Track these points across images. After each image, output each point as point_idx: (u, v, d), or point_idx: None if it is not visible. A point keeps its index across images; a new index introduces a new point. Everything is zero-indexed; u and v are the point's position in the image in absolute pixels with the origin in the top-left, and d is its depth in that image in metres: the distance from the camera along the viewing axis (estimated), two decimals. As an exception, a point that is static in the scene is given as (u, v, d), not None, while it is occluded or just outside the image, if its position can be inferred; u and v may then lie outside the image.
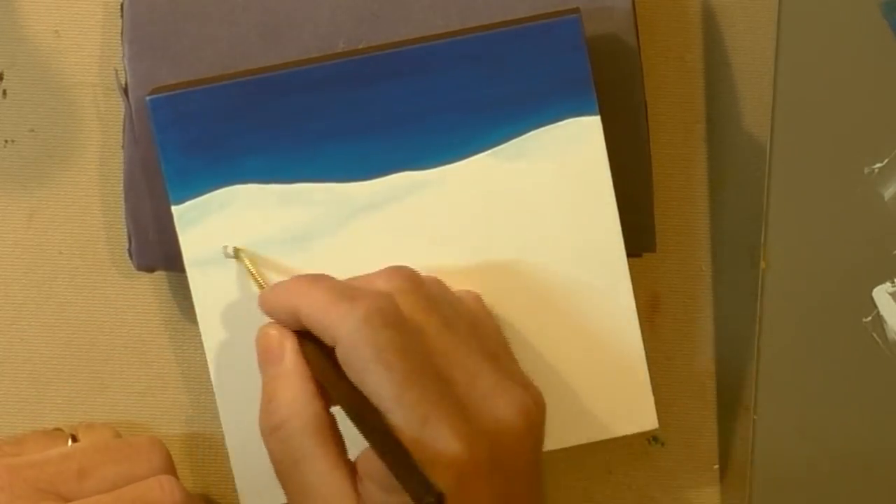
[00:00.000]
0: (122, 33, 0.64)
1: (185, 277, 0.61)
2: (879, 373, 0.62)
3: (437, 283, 0.59)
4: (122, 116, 0.64)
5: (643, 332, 0.62)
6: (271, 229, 0.61)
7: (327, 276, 0.58)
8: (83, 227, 0.67)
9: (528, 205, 0.61)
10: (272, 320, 0.58)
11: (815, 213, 0.61)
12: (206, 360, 0.62)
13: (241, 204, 0.61)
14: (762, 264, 0.62)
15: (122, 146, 0.64)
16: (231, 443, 0.62)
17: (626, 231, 0.61)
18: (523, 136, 0.61)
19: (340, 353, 0.55)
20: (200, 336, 0.61)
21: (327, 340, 0.55)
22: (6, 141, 0.66)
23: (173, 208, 0.61)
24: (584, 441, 0.62)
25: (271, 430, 0.56)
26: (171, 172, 0.61)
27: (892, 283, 0.61)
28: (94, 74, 0.66)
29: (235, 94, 0.61)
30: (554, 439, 0.62)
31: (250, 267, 0.60)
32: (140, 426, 0.67)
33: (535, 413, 0.56)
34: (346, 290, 0.56)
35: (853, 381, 0.62)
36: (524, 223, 0.61)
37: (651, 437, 0.67)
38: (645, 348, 0.62)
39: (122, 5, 0.64)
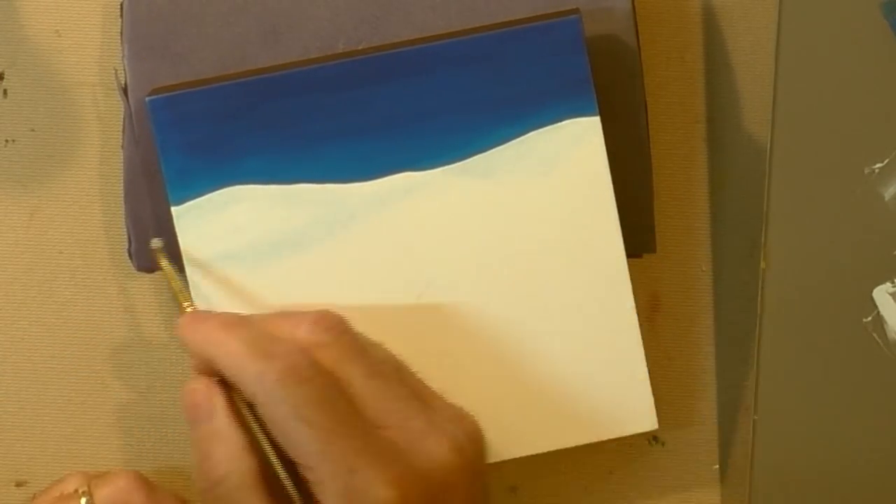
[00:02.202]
0: (121, 33, 0.64)
1: (185, 277, 0.61)
2: (879, 373, 0.62)
3: (358, 333, 0.58)
4: (122, 116, 0.64)
5: (643, 332, 0.62)
6: (271, 230, 0.61)
7: (244, 321, 0.57)
8: (83, 227, 0.67)
9: (529, 205, 0.61)
10: (196, 373, 0.57)
11: (815, 213, 0.61)
12: (206, 361, 0.62)
13: (241, 205, 0.61)
14: (762, 264, 0.62)
15: (122, 146, 0.64)
16: (231, 443, 0.62)
17: (626, 231, 0.61)
18: (523, 137, 0.61)
19: (260, 411, 0.55)
20: (200, 336, 0.61)
21: (245, 395, 0.55)
22: (6, 140, 0.66)
23: (173, 209, 0.61)
24: (584, 441, 0.62)
25: (208, 489, 0.56)
26: (171, 173, 0.61)
27: (893, 283, 0.61)
28: (94, 74, 0.66)
29: (235, 94, 0.61)
30: (554, 439, 0.62)
31: (170, 273, 0.60)
32: (140, 426, 0.67)
33: (468, 447, 0.56)
34: (262, 343, 0.55)
35: (853, 381, 0.62)
36: (524, 224, 0.61)
37: (651, 437, 0.67)
38: (645, 348, 0.62)
39: (121, 5, 0.64)
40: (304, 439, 0.53)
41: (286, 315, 0.58)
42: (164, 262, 0.60)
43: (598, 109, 0.61)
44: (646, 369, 0.62)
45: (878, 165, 0.61)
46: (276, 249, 0.61)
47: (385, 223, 0.61)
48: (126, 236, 0.64)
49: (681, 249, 0.67)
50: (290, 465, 0.56)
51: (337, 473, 0.53)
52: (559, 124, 0.61)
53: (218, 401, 0.56)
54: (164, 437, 0.67)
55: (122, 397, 0.67)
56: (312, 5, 0.63)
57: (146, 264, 0.64)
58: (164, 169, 0.61)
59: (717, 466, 0.67)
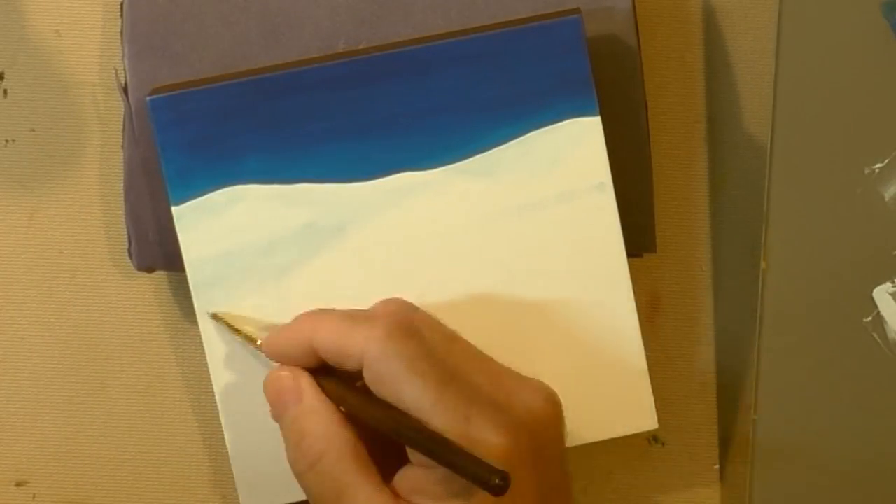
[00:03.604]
0: (121, 33, 0.64)
1: (185, 277, 0.61)
2: (879, 373, 0.62)
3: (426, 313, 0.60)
4: (122, 116, 0.64)
5: (643, 332, 0.62)
6: (271, 229, 0.61)
7: (331, 308, 0.59)
8: (83, 227, 0.67)
9: (529, 205, 0.61)
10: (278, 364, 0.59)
11: (815, 213, 0.61)
12: (205, 360, 0.61)
13: (242, 204, 0.61)
14: (762, 264, 0.62)
15: (122, 146, 0.64)
16: (231, 443, 0.62)
17: (626, 231, 0.61)
18: (524, 137, 0.61)
19: (369, 372, 0.55)
20: (200, 336, 0.61)
21: (350, 364, 0.56)
22: (6, 140, 0.66)
23: (173, 208, 0.61)
24: (584, 441, 0.62)
25: (308, 468, 0.56)
26: (172, 172, 0.61)
27: (893, 283, 0.61)
28: (94, 74, 0.66)
29: (235, 94, 0.61)
30: (554, 439, 0.62)
31: (232, 324, 0.60)
32: (140, 426, 0.67)
33: (558, 401, 0.58)
34: (358, 315, 0.57)
35: (853, 381, 0.62)
36: (525, 223, 0.61)
37: (651, 437, 0.67)
38: (645, 348, 0.62)
39: (121, 5, 0.64)
40: (419, 391, 0.54)
41: (354, 310, 0.59)
42: (223, 320, 0.61)
43: (598, 109, 0.61)
44: (646, 369, 0.62)
45: (878, 165, 0.61)
46: (277, 249, 0.61)
47: (385, 223, 0.61)
48: (126, 236, 0.64)
49: (681, 249, 0.67)
50: (377, 441, 0.56)
51: (453, 422, 0.54)
52: (559, 124, 0.61)
53: (305, 382, 0.57)
54: (164, 436, 0.67)
55: (122, 397, 0.67)
56: (312, 5, 0.63)
57: (146, 264, 0.64)
58: (164, 169, 0.61)
59: (717, 466, 0.67)
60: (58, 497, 0.67)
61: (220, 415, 0.62)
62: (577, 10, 0.61)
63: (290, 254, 0.61)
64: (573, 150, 0.61)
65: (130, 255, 0.64)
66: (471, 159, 0.61)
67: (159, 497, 0.67)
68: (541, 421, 0.56)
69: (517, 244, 0.61)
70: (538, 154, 0.61)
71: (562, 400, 0.61)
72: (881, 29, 0.61)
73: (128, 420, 0.67)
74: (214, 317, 0.61)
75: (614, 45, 0.63)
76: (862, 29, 0.61)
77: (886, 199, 0.61)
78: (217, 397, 0.62)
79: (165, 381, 0.67)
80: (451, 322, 0.61)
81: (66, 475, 0.67)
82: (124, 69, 0.63)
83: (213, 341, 0.61)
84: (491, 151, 0.61)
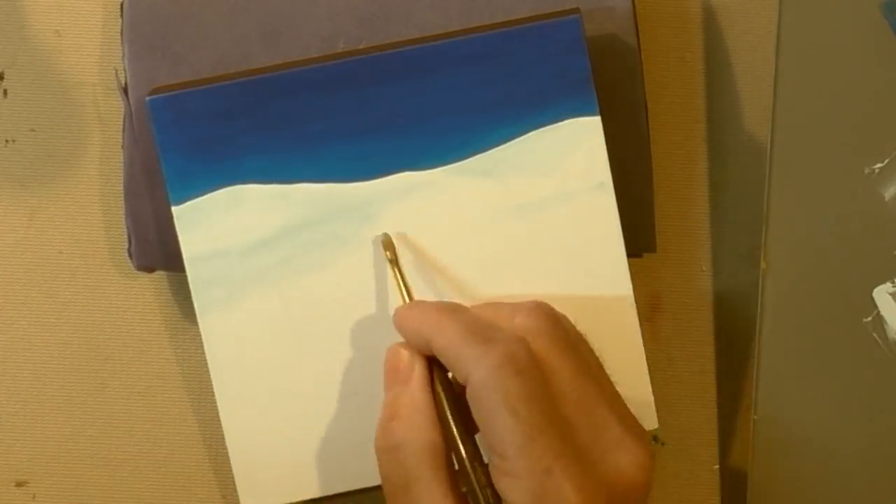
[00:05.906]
0: (121, 33, 0.64)
1: (185, 277, 0.61)
2: (879, 373, 0.62)
3: (570, 323, 0.58)
4: (122, 116, 0.64)
5: (643, 332, 0.62)
6: (271, 229, 0.61)
7: (463, 308, 0.58)
8: (83, 227, 0.67)
9: (529, 205, 0.61)
10: (403, 340, 0.58)
11: (815, 213, 0.61)
12: (206, 360, 0.62)
13: (242, 204, 0.61)
14: (762, 264, 0.62)
15: (122, 146, 0.64)
16: (231, 443, 0.62)
17: (626, 231, 0.61)
18: (524, 137, 0.61)
19: (470, 394, 0.55)
20: (200, 336, 0.61)
21: (458, 378, 0.55)
22: (6, 141, 0.66)
23: (173, 208, 0.61)
24: (584, 441, 0.62)
25: (389, 449, 0.56)
26: (171, 172, 0.61)
27: (893, 283, 0.61)
28: (94, 74, 0.66)
29: (235, 94, 0.61)
30: (554, 439, 0.61)
31: (400, 278, 0.60)
32: (140, 426, 0.67)
33: (651, 470, 0.56)
34: (481, 330, 0.56)
35: (853, 381, 0.62)
36: (525, 223, 0.61)
37: (651, 437, 0.67)
38: (645, 348, 0.62)
39: (121, 5, 0.64)
40: (509, 430, 0.53)
41: (501, 304, 0.58)
42: (392, 254, 0.60)
43: (598, 109, 0.61)
44: (646, 369, 0.62)
45: (878, 165, 0.61)
46: (276, 248, 0.61)
47: (385, 223, 0.61)
48: (126, 236, 0.64)
49: (681, 249, 0.67)
50: (470, 452, 0.56)
51: (533, 471, 0.53)
52: (560, 124, 0.61)
53: (418, 369, 0.57)
54: (164, 436, 0.67)
55: (122, 397, 0.67)
56: (312, 5, 0.63)
57: (146, 264, 0.64)
58: (164, 169, 0.61)
59: (717, 466, 0.67)
60: (58, 497, 0.67)
61: (220, 415, 0.62)
62: (576, 10, 0.61)
63: (290, 254, 0.61)
64: (573, 150, 0.61)
65: (130, 255, 0.64)
66: (471, 159, 0.61)
67: (159, 497, 0.67)
68: (626, 488, 0.55)
69: (517, 244, 0.61)
70: (538, 154, 0.61)
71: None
72: (881, 29, 0.61)
73: (128, 420, 0.67)
74: (386, 244, 0.60)
75: (614, 45, 0.63)
76: (862, 29, 0.61)
77: (886, 199, 0.61)
78: (217, 397, 0.62)
79: (165, 381, 0.67)
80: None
81: (66, 475, 0.67)
82: (124, 69, 0.64)
83: (213, 341, 0.61)
84: (491, 151, 0.61)
